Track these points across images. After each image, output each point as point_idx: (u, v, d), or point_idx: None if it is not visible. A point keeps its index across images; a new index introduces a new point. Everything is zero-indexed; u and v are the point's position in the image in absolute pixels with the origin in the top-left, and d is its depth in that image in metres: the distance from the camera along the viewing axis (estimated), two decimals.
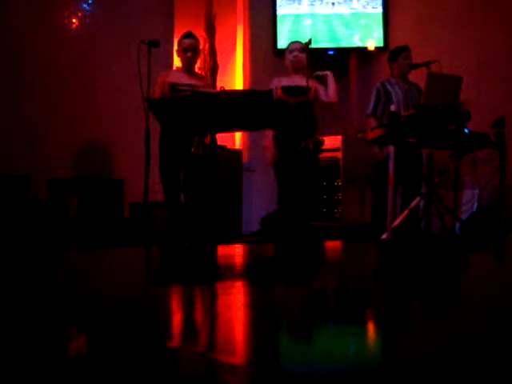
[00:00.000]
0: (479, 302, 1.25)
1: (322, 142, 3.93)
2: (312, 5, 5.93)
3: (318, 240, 4.21)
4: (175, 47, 4.12)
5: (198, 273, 1.70)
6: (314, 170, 3.96)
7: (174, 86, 3.78)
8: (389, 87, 4.17)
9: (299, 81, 3.84)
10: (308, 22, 5.96)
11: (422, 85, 3.67)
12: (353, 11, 5.89)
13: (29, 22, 4.53)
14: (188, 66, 3.94)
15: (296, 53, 3.91)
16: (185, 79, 3.85)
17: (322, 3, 5.93)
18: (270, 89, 3.78)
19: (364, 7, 5.85)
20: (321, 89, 3.91)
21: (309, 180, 3.89)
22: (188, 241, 3.84)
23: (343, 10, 5.92)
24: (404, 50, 4.22)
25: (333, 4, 5.91)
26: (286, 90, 3.85)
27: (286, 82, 3.90)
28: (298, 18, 5.98)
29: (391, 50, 4.39)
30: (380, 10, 5.81)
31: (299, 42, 4.00)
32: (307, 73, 3.86)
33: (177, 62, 4.38)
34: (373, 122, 4.14)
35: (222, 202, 4.61)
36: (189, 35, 3.94)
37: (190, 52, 3.88)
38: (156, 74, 3.74)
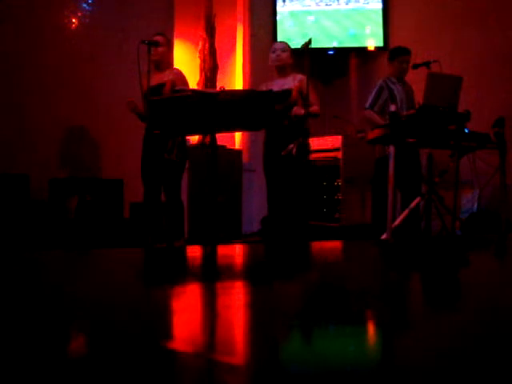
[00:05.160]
0: (479, 302, 1.24)
1: (307, 145, 3.70)
2: (312, 3, 5.94)
3: (317, 240, 4.21)
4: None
5: (197, 273, 1.70)
6: (302, 173, 3.73)
7: (146, 90, 3.65)
8: (391, 85, 4.17)
9: (285, 84, 3.80)
10: (308, 20, 5.97)
11: (422, 85, 3.67)
12: (353, 8, 5.90)
13: (28, 21, 4.53)
14: (158, 61, 3.82)
15: (279, 52, 3.86)
16: (155, 80, 3.69)
17: (322, 1, 5.93)
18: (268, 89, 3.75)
19: (364, 3, 5.85)
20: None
21: (296, 184, 3.73)
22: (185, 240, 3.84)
23: (343, 7, 5.92)
24: (402, 53, 4.17)
25: (333, 2, 5.92)
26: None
27: (274, 84, 3.82)
28: (298, 16, 5.99)
29: (391, 49, 4.37)
30: (380, 6, 5.82)
31: (283, 43, 3.98)
32: (288, 73, 3.83)
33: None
34: (369, 115, 4.11)
35: (222, 202, 4.61)
36: (158, 33, 3.90)
37: (160, 47, 3.78)
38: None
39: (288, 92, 3.73)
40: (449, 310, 1.15)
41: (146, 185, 3.79)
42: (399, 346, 0.90)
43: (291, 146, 3.60)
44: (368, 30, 5.89)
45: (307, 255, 2.35)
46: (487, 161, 4.25)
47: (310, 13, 5.97)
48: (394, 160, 3.61)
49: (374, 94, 4.17)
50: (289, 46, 3.90)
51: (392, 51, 4.29)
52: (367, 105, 4.18)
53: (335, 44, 5.91)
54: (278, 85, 3.81)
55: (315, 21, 5.96)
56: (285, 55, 3.85)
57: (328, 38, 5.94)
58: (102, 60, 4.92)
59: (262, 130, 3.95)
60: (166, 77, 3.80)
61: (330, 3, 5.94)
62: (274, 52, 3.89)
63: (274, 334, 0.97)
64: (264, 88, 3.85)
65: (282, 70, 3.87)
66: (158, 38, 3.82)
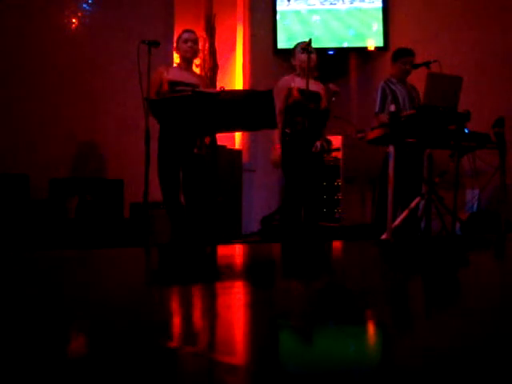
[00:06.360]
0: (479, 302, 1.24)
1: (331, 143, 4.26)
2: (317, 2, 5.94)
3: (318, 240, 4.21)
4: (174, 44, 4.05)
5: (197, 273, 1.70)
6: (322, 169, 4.21)
7: (173, 84, 3.71)
8: (392, 86, 4.17)
9: (313, 85, 3.87)
10: (309, 20, 5.96)
11: (422, 85, 3.67)
12: (354, 7, 5.89)
13: (28, 21, 4.53)
14: (188, 59, 3.87)
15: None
16: (185, 77, 3.78)
17: (324, 0, 5.93)
18: (277, 87, 3.87)
19: (369, 2, 5.85)
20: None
21: (318, 180, 4.11)
22: (189, 241, 3.84)
23: (347, 6, 5.92)
24: (405, 54, 4.18)
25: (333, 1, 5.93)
26: (304, 93, 3.88)
27: (300, 83, 3.92)
28: (298, 16, 5.98)
29: (395, 50, 4.35)
30: (380, 4, 5.82)
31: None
32: (314, 75, 3.94)
33: (176, 59, 4.31)
34: (383, 119, 4.11)
35: (222, 202, 4.61)
36: (189, 30, 3.94)
37: (190, 42, 3.82)
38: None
39: (318, 96, 3.99)
40: (449, 310, 1.15)
41: (167, 185, 3.75)
42: (399, 345, 0.90)
43: (318, 142, 3.96)
44: (368, 30, 5.89)
45: (307, 255, 2.35)
46: (487, 161, 4.24)
47: (315, 12, 5.96)
48: (396, 160, 3.62)
49: (379, 98, 4.18)
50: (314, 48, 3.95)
51: (395, 52, 4.29)
52: (377, 110, 4.20)
53: (346, 44, 5.92)
54: (301, 84, 3.90)
55: (320, 20, 5.96)
56: (314, 57, 3.91)
57: (333, 38, 5.94)
58: (103, 60, 4.91)
59: (263, 130, 3.99)
60: (198, 80, 3.87)
61: (335, 2, 5.93)
62: (302, 53, 3.95)
63: (274, 334, 0.97)
64: (291, 82, 3.97)
65: (309, 68, 3.93)
66: (190, 35, 3.85)
